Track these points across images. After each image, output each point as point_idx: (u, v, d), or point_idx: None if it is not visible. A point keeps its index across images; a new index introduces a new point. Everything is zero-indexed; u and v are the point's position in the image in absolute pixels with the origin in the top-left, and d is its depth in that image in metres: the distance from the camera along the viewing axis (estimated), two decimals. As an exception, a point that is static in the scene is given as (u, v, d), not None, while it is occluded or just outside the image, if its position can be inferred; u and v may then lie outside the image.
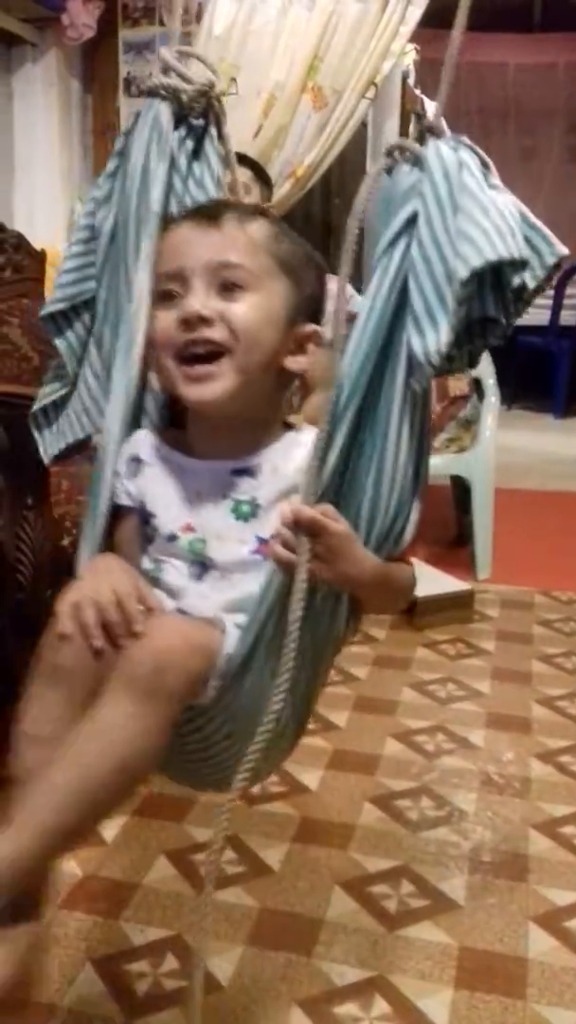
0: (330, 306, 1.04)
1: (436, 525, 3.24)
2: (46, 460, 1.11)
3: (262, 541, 0.90)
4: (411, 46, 4.12)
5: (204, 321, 0.89)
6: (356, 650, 2.29)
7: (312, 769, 1.73)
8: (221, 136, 1.10)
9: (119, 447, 0.98)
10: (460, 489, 3.02)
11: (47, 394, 1.08)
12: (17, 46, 2.82)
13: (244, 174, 2.42)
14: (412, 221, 0.87)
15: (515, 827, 1.57)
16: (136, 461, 0.97)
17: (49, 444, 1.10)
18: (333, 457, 0.87)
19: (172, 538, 0.93)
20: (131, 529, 0.97)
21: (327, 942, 1.29)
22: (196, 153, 1.07)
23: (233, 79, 2.63)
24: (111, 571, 0.91)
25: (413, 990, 1.21)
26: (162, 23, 2.89)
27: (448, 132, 0.90)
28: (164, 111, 1.04)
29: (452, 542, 3.09)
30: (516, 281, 0.86)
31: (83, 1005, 1.18)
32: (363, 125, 3.24)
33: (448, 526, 3.18)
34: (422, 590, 2.51)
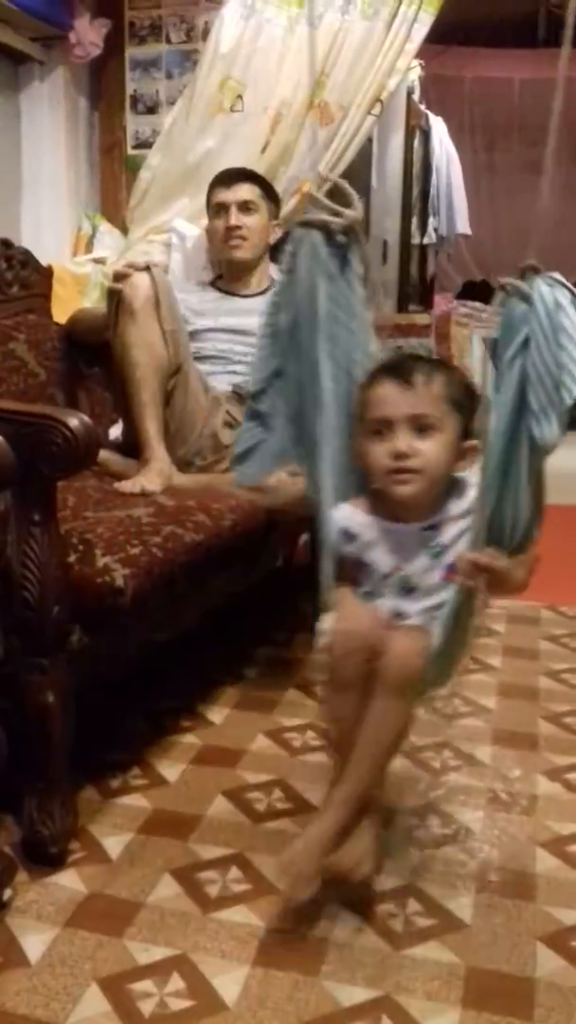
0: None
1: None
2: (240, 485, 1.66)
3: (447, 567, 1.35)
4: (416, 62, 4.16)
5: (405, 456, 1.34)
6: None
7: (317, 786, 1.72)
8: (360, 250, 1.48)
9: (332, 505, 1.41)
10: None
11: (247, 441, 1.49)
12: (24, 64, 2.84)
13: (252, 191, 2.44)
14: (525, 344, 1.23)
15: (522, 845, 1.56)
16: (346, 534, 1.40)
17: (246, 476, 1.53)
18: (488, 509, 1.27)
19: (387, 576, 1.39)
20: (348, 568, 1.41)
21: (333, 962, 1.28)
22: (343, 264, 1.46)
23: (239, 96, 2.64)
24: (359, 609, 1.38)
25: (420, 1010, 1.20)
26: (169, 41, 2.91)
27: (542, 270, 1.23)
28: (318, 238, 1.43)
29: (458, 556, 3.08)
30: None
31: (88, 1025, 1.17)
32: (368, 141, 3.26)
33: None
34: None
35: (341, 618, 1.34)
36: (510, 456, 1.26)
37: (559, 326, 1.19)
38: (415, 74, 4.52)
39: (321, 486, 1.42)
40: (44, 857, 1.46)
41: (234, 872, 1.47)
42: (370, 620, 1.35)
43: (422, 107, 5.07)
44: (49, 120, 2.87)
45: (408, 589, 1.38)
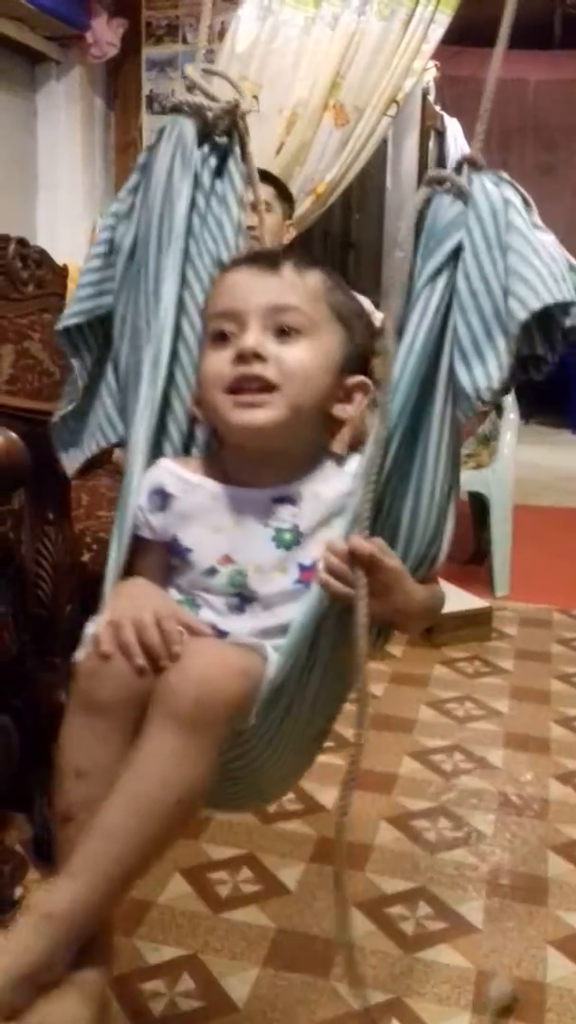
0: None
1: (454, 541, 3.22)
2: (68, 474, 1.10)
3: (304, 568, 0.88)
4: (432, 63, 4.14)
5: (259, 357, 0.88)
6: (373, 667, 2.28)
7: (329, 787, 1.72)
8: (244, 155, 1.09)
9: (144, 469, 0.94)
10: (478, 505, 3.01)
11: (62, 408, 1.04)
12: (41, 64, 2.85)
13: (266, 191, 2.43)
14: (456, 254, 0.89)
15: (533, 849, 1.56)
16: (160, 494, 0.92)
17: (70, 459, 1.07)
18: (381, 485, 0.87)
19: (211, 572, 0.90)
20: (154, 563, 0.93)
21: (344, 964, 1.28)
22: (219, 171, 1.06)
23: (255, 96, 2.64)
24: (149, 594, 0.89)
25: (431, 1014, 1.20)
26: (185, 41, 2.91)
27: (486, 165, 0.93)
28: (188, 128, 1.03)
29: (470, 559, 3.08)
30: (568, 323, 0.86)
31: (98, 1024, 1.17)
32: (383, 142, 3.25)
33: (466, 543, 3.16)
34: (440, 607, 2.50)
35: (112, 607, 0.87)
36: (422, 411, 0.89)
37: (508, 224, 0.87)
38: (431, 75, 4.51)
39: (131, 438, 0.97)
40: (55, 855, 1.46)
41: (244, 872, 1.47)
42: (155, 608, 0.84)
43: (437, 108, 5.05)
44: (65, 119, 2.88)
45: (243, 598, 0.90)
